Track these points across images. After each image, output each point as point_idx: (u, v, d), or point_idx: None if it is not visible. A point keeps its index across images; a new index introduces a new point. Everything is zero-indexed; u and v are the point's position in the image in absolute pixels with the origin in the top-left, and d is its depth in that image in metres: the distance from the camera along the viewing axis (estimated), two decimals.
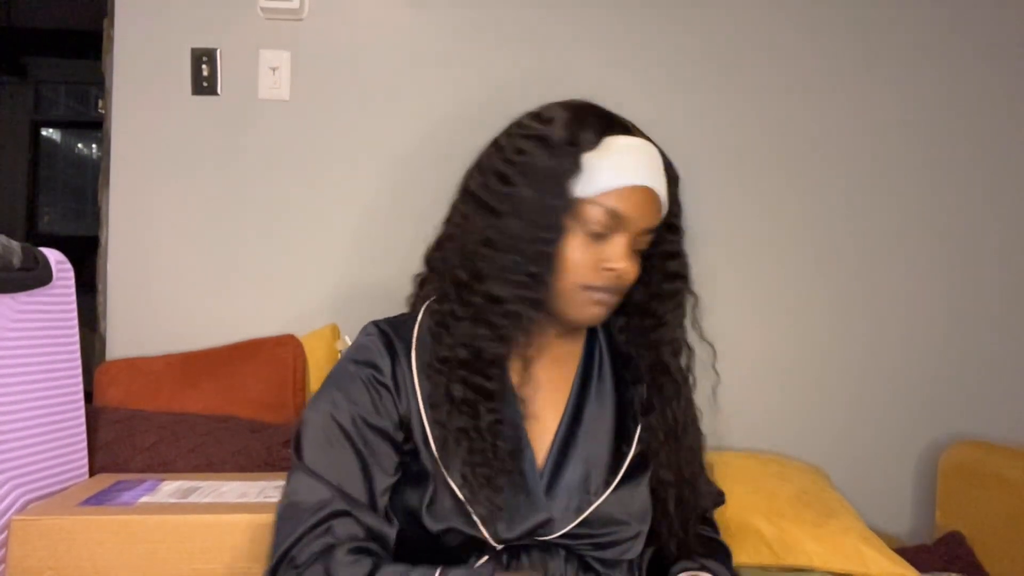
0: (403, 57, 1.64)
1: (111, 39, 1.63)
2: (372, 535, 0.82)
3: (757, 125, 1.66)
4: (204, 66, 1.61)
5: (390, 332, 0.90)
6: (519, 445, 0.87)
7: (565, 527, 0.86)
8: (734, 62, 1.66)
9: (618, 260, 0.84)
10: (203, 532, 1.01)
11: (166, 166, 1.63)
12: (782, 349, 1.68)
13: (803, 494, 1.39)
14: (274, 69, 1.62)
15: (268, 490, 1.14)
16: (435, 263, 0.96)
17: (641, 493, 0.92)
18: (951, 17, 1.66)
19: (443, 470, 0.84)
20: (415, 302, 1.00)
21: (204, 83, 1.62)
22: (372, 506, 0.83)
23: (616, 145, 0.84)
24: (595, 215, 0.83)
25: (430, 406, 0.86)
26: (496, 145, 0.90)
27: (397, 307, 1.71)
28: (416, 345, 0.90)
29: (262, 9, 1.61)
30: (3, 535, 1.02)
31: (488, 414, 0.84)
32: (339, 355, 1.57)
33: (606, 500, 0.88)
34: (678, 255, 0.93)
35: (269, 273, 1.64)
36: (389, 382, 0.87)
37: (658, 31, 1.66)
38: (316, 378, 1.56)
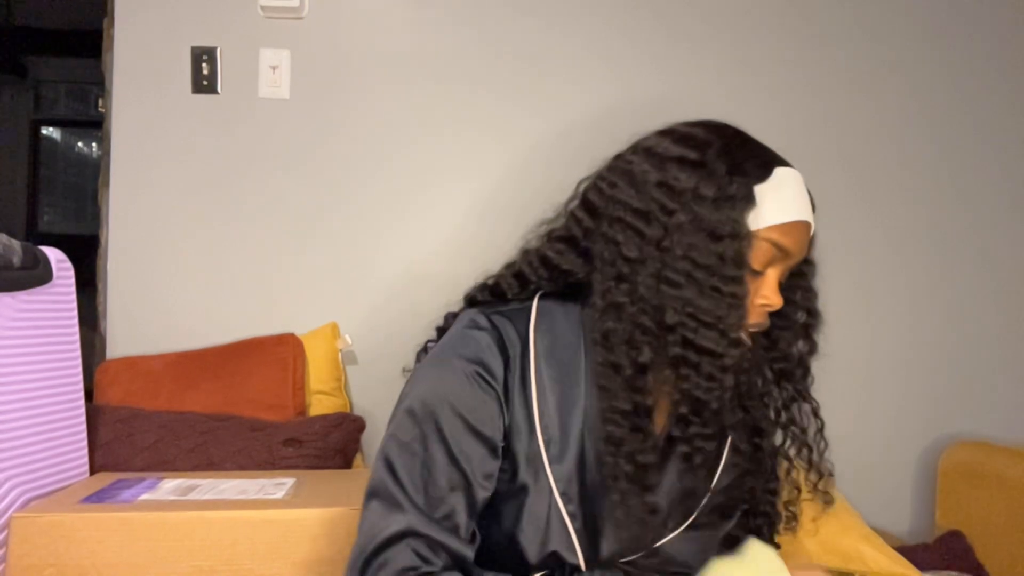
0: (403, 56, 1.64)
1: (111, 38, 1.63)
2: (452, 556, 0.77)
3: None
4: (204, 65, 1.61)
5: (503, 330, 0.82)
6: None
7: (633, 555, 0.84)
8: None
9: (772, 295, 0.80)
10: (203, 529, 1.01)
11: (166, 165, 1.63)
12: None
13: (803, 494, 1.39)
14: (274, 68, 1.62)
15: (268, 487, 1.14)
16: (551, 279, 0.88)
17: (712, 544, 0.88)
18: None
19: (551, 484, 0.80)
20: (499, 287, 0.91)
21: (204, 82, 1.62)
22: (457, 524, 0.77)
23: (783, 176, 0.79)
24: (762, 249, 0.78)
25: (608, 445, 0.80)
26: (640, 169, 0.81)
27: (397, 306, 1.71)
28: (535, 348, 0.82)
29: (262, 8, 1.61)
30: (4, 533, 1.02)
31: (704, 465, 0.82)
32: (339, 354, 1.57)
33: (676, 538, 0.85)
34: (809, 289, 0.89)
35: (269, 272, 1.64)
36: (499, 387, 0.80)
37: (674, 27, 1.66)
38: (316, 377, 1.56)
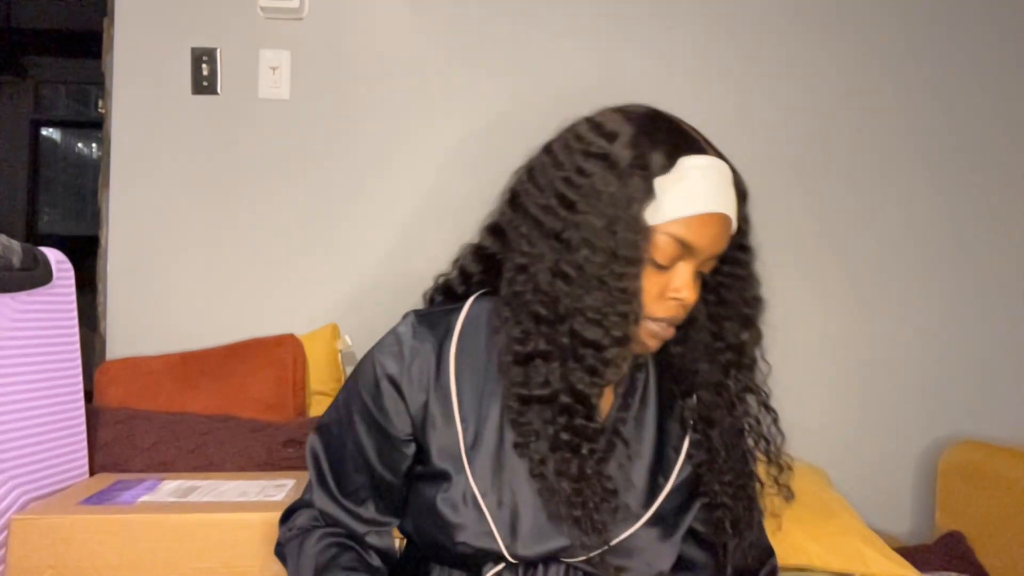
0: (403, 57, 1.64)
1: (111, 39, 1.63)
2: (348, 532, 0.88)
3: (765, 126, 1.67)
4: (204, 66, 1.61)
5: (422, 327, 0.86)
6: None
7: (588, 553, 0.82)
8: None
9: (684, 289, 0.78)
10: (203, 531, 1.01)
11: (166, 166, 1.63)
12: (781, 350, 1.68)
13: (803, 494, 1.38)
14: (274, 69, 1.62)
15: (268, 489, 1.14)
16: (484, 272, 0.91)
17: (672, 541, 0.87)
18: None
19: (468, 475, 0.82)
20: (439, 297, 0.96)
21: (204, 83, 1.62)
22: (361, 498, 0.87)
23: (690, 168, 0.76)
24: (662, 244, 0.76)
25: (516, 446, 0.82)
26: (554, 159, 0.81)
27: (397, 306, 1.71)
28: (458, 342, 0.85)
29: (262, 9, 1.61)
30: (3, 534, 1.02)
31: (591, 456, 0.80)
32: (339, 355, 1.57)
33: (635, 534, 0.84)
34: (749, 277, 0.87)
35: (269, 273, 1.64)
36: (404, 384, 0.84)
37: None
38: (316, 378, 1.57)
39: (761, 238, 1.77)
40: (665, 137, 0.78)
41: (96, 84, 1.88)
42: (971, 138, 1.68)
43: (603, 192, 0.75)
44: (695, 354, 0.88)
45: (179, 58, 1.62)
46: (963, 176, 1.68)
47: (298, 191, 1.64)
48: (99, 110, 1.70)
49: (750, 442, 0.90)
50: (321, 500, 0.88)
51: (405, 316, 0.88)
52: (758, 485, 0.91)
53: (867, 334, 1.68)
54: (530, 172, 0.84)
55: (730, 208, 0.79)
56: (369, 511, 0.88)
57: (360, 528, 0.88)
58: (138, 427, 1.36)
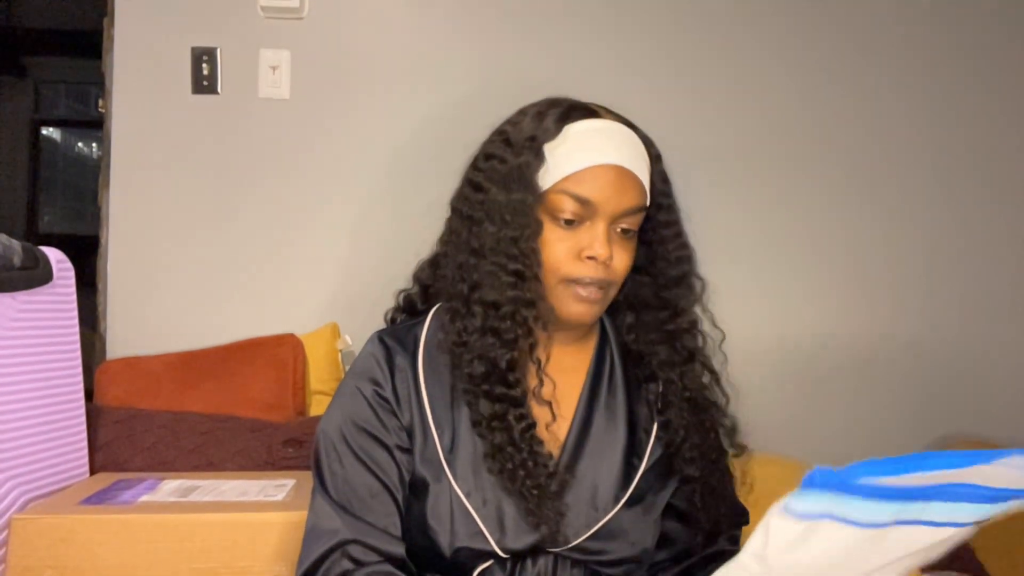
0: (403, 56, 1.64)
1: (111, 39, 1.63)
2: (386, 556, 0.82)
3: (760, 121, 1.66)
4: (204, 65, 1.61)
5: (391, 343, 0.89)
6: None
7: (572, 541, 0.84)
8: (739, 59, 1.67)
9: (597, 246, 0.81)
10: (203, 531, 1.01)
11: (166, 165, 1.63)
12: (782, 349, 1.68)
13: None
14: (274, 68, 1.62)
15: (268, 489, 1.14)
16: (436, 280, 0.96)
17: (652, 519, 0.89)
18: (952, 12, 1.67)
19: (450, 479, 0.84)
20: (399, 314, 1.01)
21: (204, 82, 1.62)
22: (385, 526, 0.83)
23: (576, 130, 0.83)
24: (561, 202, 0.81)
25: (473, 424, 0.85)
26: (472, 157, 0.91)
27: None
28: (424, 352, 0.89)
29: (262, 8, 1.61)
30: (3, 534, 1.02)
31: (518, 421, 0.82)
32: (339, 354, 1.57)
33: (614, 517, 0.86)
34: (676, 236, 0.90)
35: (269, 273, 1.64)
36: (389, 395, 0.86)
37: (662, 29, 1.66)
38: (316, 377, 1.56)
39: (761, 234, 1.78)
40: (558, 112, 0.85)
41: (96, 84, 1.88)
42: (975, 131, 1.68)
43: (501, 169, 0.83)
44: (649, 336, 0.92)
45: (179, 58, 1.62)
46: (964, 172, 1.68)
47: (298, 190, 1.64)
48: (99, 110, 1.70)
49: (705, 411, 0.93)
50: (351, 531, 0.82)
51: (371, 338, 0.91)
52: (726, 451, 0.94)
53: (867, 334, 1.68)
54: (463, 177, 0.92)
55: (628, 162, 0.83)
56: (396, 532, 0.84)
57: (399, 548, 0.83)
58: (138, 427, 1.36)
